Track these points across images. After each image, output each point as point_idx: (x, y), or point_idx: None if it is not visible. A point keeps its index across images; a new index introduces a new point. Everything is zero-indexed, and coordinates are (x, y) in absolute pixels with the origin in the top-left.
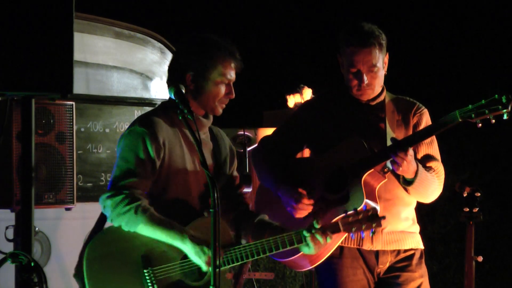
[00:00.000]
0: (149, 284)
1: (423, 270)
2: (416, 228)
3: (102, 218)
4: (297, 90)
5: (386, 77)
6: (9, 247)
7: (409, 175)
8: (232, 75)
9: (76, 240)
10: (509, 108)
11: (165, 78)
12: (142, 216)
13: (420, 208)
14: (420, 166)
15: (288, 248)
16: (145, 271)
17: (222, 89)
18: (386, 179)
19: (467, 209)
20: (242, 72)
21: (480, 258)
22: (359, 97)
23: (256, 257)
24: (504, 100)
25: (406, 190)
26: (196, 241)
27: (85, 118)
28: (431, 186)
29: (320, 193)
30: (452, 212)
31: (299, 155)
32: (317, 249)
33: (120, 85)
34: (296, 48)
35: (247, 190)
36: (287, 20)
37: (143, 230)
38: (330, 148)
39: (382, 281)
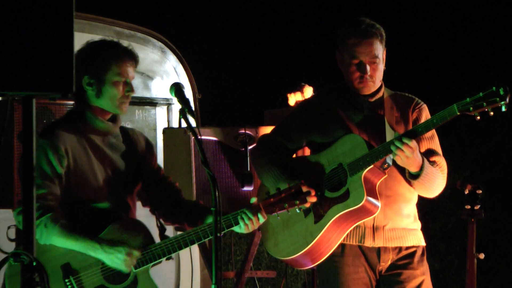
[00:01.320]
0: None
1: (425, 267)
2: (418, 225)
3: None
4: (298, 88)
5: (384, 73)
6: (11, 247)
7: (414, 169)
8: (129, 72)
9: None
10: (507, 100)
11: (166, 78)
12: (53, 228)
13: (422, 206)
14: (425, 159)
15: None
16: (66, 280)
17: (120, 88)
18: (386, 175)
19: (469, 207)
20: (243, 71)
21: (482, 256)
22: (360, 91)
23: (182, 249)
24: (501, 92)
25: (410, 184)
26: (109, 245)
27: None
28: (436, 180)
29: (320, 191)
30: (454, 210)
31: (299, 153)
32: (248, 229)
33: None
34: (297, 46)
35: (248, 188)
36: (287, 18)
37: (57, 242)
38: (329, 146)
39: (384, 279)
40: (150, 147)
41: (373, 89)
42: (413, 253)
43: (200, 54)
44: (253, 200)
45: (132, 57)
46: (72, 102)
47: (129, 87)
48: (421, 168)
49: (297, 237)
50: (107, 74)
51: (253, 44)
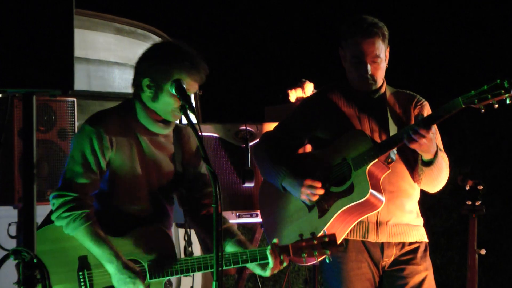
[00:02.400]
0: (83, 286)
1: (427, 263)
2: (420, 221)
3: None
4: (298, 84)
5: (387, 70)
6: (11, 244)
7: (429, 155)
8: (192, 86)
9: None
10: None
11: None
12: (79, 226)
13: (423, 202)
14: (438, 147)
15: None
16: (80, 273)
17: (177, 100)
18: (390, 170)
19: (470, 202)
20: (244, 68)
21: (483, 251)
22: (361, 89)
23: (200, 271)
24: (506, 85)
25: (415, 181)
26: (123, 265)
27: (86, 114)
28: (443, 171)
29: (325, 186)
30: (455, 206)
31: (300, 151)
32: (272, 272)
33: (122, 81)
34: (297, 43)
35: (249, 184)
36: (288, 14)
37: (79, 238)
38: (333, 142)
39: (387, 274)
40: (199, 151)
41: (374, 87)
42: (416, 249)
43: (201, 50)
44: (275, 240)
45: (198, 72)
46: (72, 99)
47: (175, 83)
48: (435, 155)
49: (302, 232)
50: (166, 84)
51: (254, 41)
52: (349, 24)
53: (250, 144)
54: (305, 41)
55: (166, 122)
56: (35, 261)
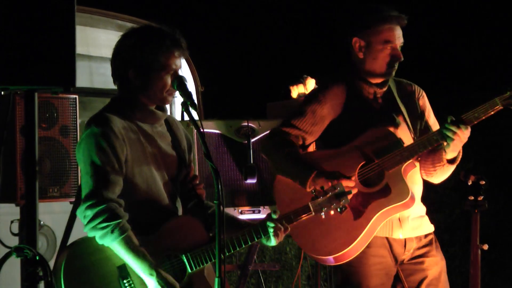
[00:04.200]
0: None
1: (441, 253)
2: (424, 209)
3: (70, 226)
4: (300, 80)
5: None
6: (14, 241)
7: (455, 153)
8: (177, 64)
9: (81, 233)
10: None
11: None
12: (118, 237)
13: (426, 197)
14: None
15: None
16: (124, 281)
17: (168, 79)
18: (416, 167)
19: (472, 198)
20: (245, 64)
21: (485, 247)
22: (384, 77)
23: (236, 249)
24: None
25: (428, 171)
26: (162, 278)
27: (88, 111)
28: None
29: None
30: (457, 201)
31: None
32: (277, 241)
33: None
34: (299, 39)
35: (251, 181)
36: (290, 10)
37: (115, 249)
38: (351, 140)
39: (405, 268)
40: (189, 140)
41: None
42: (431, 240)
43: (203, 47)
44: (274, 215)
45: (179, 46)
46: (74, 96)
47: (177, 80)
48: (458, 153)
49: (337, 234)
50: (153, 67)
51: (256, 37)
52: (373, 11)
53: (252, 140)
54: (306, 37)
55: (162, 109)
56: (37, 258)
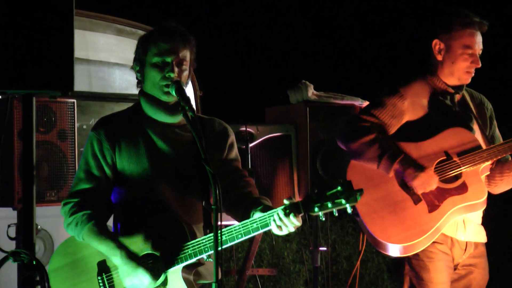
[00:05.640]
0: None
1: (487, 268)
2: None
3: None
4: (298, 85)
5: None
6: (11, 246)
7: None
8: (170, 52)
9: None
10: None
11: None
12: (82, 228)
13: None
14: None
15: (261, 230)
16: (99, 277)
17: (159, 69)
18: (489, 172)
19: None
20: (244, 69)
21: None
22: (462, 82)
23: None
24: None
25: (492, 183)
26: (127, 255)
27: (87, 115)
28: None
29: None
30: None
31: None
32: (285, 230)
33: (122, 82)
34: (297, 44)
35: None
36: (288, 15)
37: (88, 240)
38: (428, 136)
39: (456, 272)
40: (222, 137)
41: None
42: (484, 252)
43: (201, 51)
44: (286, 202)
45: (172, 36)
46: (72, 100)
47: (169, 67)
48: None
49: (410, 224)
50: (146, 56)
51: (254, 42)
52: (455, 15)
53: (250, 145)
54: (305, 42)
55: (171, 109)
56: (34, 262)
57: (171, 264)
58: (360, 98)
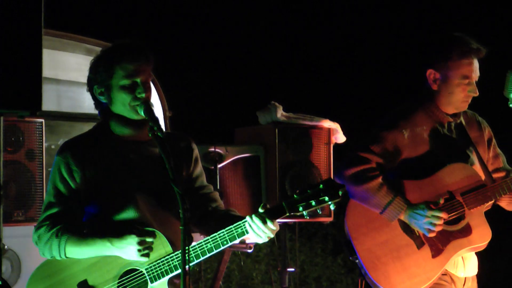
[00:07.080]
0: None
1: None
2: None
3: None
4: (267, 107)
5: None
6: None
7: None
8: (137, 72)
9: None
10: None
11: None
12: (64, 237)
13: None
14: None
15: (236, 240)
16: None
17: (129, 91)
18: (490, 207)
19: None
20: (213, 89)
21: None
22: (458, 110)
23: (199, 259)
24: None
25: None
26: (119, 238)
27: (56, 135)
28: None
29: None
30: None
31: None
32: (263, 238)
33: (92, 102)
34: (267, 65)
35: None
36: (258, 36)
37: (71, 252)
38: (430, 172)
39: None
40: (188, 152)
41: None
42: (476, 282)
43: (171, 71)
44: (261, 210)
45: (136, 56)
46: (40, 120)
47: (140, 88)
48: None
49: (414, 271)
50: (112, 79)
51: (224, 62)
52: (451, 44)
53: (219, 166)
54: (275, 63)
55: (139, 125)
56: (0, 283)
57: (157, 277)
58: (329, 120)
